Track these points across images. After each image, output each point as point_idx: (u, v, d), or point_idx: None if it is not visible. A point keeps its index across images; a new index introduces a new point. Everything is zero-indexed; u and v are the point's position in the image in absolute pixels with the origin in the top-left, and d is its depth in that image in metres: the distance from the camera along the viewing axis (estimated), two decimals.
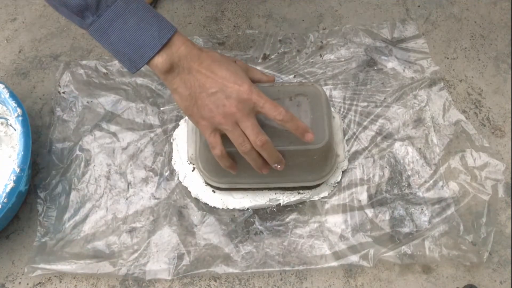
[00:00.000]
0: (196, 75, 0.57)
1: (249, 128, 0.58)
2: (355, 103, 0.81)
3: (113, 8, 0.53)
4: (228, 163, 0.63)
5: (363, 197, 0.73)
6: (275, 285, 0.68)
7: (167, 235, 0.71)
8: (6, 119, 0.76)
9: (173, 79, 0.57)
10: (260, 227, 0.71)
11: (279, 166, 0.63)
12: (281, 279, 0.69)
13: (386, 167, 0.75)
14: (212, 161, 0.67)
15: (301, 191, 0.72)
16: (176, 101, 0.60)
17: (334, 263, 0.68)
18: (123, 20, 0.53)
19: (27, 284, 0.69)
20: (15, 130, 0.73)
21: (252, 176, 0.69)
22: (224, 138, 0.61)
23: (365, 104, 0.81)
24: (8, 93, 0.73)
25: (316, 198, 0.73)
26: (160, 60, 0.55)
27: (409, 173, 0.75)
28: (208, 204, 0.73)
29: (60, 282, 0.69)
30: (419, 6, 0.94)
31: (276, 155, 0.61)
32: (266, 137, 0.59)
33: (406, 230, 0.70)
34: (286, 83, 0.71)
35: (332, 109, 0.78)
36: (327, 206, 0.72)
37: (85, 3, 0.52)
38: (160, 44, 0.54)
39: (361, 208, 0.72)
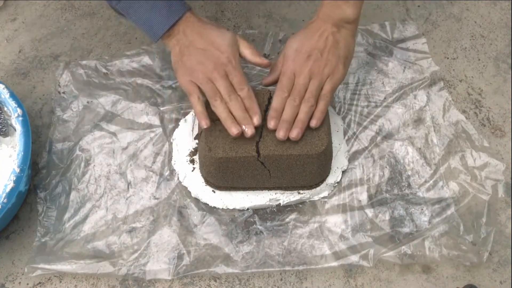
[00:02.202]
0: (188, 36, 0.69)
1: (222, 87, 0.67)
2: (355, 103, 0.81)
3: None
4: (201, 108, 0.68)
5: (363, 197, 0.73)
6: (275, 285, 0.68)
7: (167, 235, 0.71)
8: (6, 119, 0.76)
9: (170, 40, 0.70)
10: (260, 227, 0.71)
11: (247, 129, 0.66)
12: (281, 279, 0.69)
13: (386, 167, 0.75)
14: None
15: (301, 191, 0.72)
16: (171, 60, 0.71)
17: (334, 263, 0.68)
18: (139, 4, 0.68)
19: (27, 284, 0.69)
20: (15, 130, 0.73)
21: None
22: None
23: (365, 104, 0.81)
24: (8, 93, 0.73)
25: (316, 198, 0.73)
26: (166, 33, 0.69)
27: (409, 173, 0.75)
28: (208, 204, 0.73)
29: (60, 282, 0.69)
30: (419, 6, 0.94)
31: (243, 114, 0.66)
32: (237, 96, 0.67)
33: (406, 230, 0.70)
34: None
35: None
36: (327, 206, 0.72)
37: None
38: (168, 25, 0.68)
39: (361, 208, 0.72)
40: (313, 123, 0.68)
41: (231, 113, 0.67)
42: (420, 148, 0.77)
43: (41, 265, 0.68)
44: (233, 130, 0.66)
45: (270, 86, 0.73)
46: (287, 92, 0.68)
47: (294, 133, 0.66)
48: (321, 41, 0.70)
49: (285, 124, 0.67)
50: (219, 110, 0.67)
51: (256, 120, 0.67)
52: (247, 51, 0.71)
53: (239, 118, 0.66)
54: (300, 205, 0.73)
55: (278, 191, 0.72)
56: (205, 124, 0.67)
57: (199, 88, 0.68)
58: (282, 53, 0.72)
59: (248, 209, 0.72)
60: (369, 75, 0.84)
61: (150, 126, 0.80)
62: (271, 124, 0.67)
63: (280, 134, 0.66)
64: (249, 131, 0.66)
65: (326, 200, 0.73)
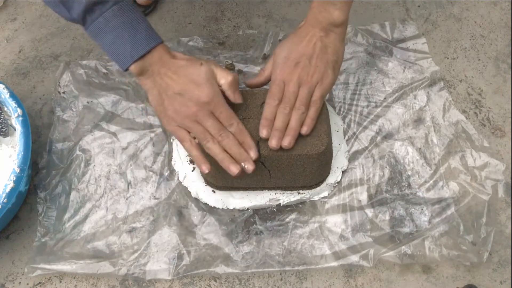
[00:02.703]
0: (163, 77, 0.64)
1: (211, 127, 0.64)
2: (355, 103, 0.81)
3: (95, 24, 0.62)
4: (197, 152, 0.65)
5: (363, 197, 0.73)
6: (275, 285, 0.68)
7: (167, 235, 0.71)
8: (6, 119, 0.76)
9: (145, 80, 0.65)
10: (260, 227, 0.71)
11: (246, 166, 0.64)
12: (281, 279, 0.69)
13: (386, 167, 0.75)
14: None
15: (301, 191, 0.72)
16: (149, 101, 0.66)
17: (334, 263, 0.68)
18: (103, 35, 0.62)
19: (27, 284, 0.69)
20: (15, 130, 0.73)
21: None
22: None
23: (365, 104, 0.81)
24: (8, 93, 0.73)
25: (316, 198, 0.73)
26: (133, 67, 0.63)
27: (409, 173, 0.75)
28: (208, 204, 0.73)
29: (60, 282, 0.69)
30: (419, 6, 0.94)
31: (238, 151, 0.64)
32: (228, 133, 0.64)
33: (406, 230, 0.70)
34: None
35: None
36: (327, 206, 0.72)
37: (77, 18, 0.62)
38: (131, 59, 0.62)
39: (361, 208, 0.72)
40: (304, 130, 0.67)
41: (227, 151, 0.65)
42: (420, 148, 0.77)
43: (41, 265, 0.68)
44: (233, 170, 0.64)
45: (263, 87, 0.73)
46: (277, 100, 0.68)
47: (286, 141, 0.66)
48: (309, 47, 0.69)
49: (277, 132, 0.66)
50: (214, 152, 0.64)
51: (253, 154, 0.65)
52: (223, 81, 0.66)
53: (236, 156, 0.64)
54: (300, 205, 0.73)
55: (278, 191, 0.72)
56: (206, 169, 0.65)
57: (188, 131, 0.66)
58: (271, 60, 0.71)
59: (248, 209, 0.72)
60: (369, 75, 0.84)
61: (150, 126, 0.80)
62: (263, 133, 0.66)
63: (273, 143, 0.66)
64: (249, 167, 0.64)
65: (326, 200, 0.73)
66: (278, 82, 0.69)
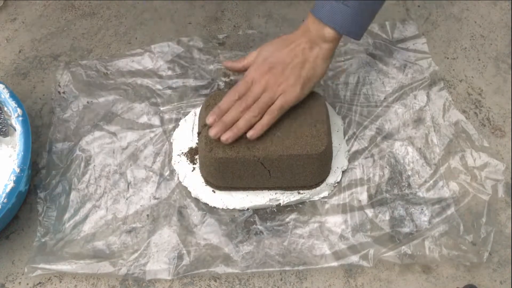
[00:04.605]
0: None
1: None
2: (355, 103, 0.81)
3: None
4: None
5: (363, 197, 0.73)
6: (275, 285, 0.68)
7: (167, 235, 0.71)
8: (6, 119, 0.76)
9: None
10: (260, 227, 0.71)
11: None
12: (281, 279, 0.69)
13: (386, 167, 0.75)
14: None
15: (301, 191, 0.72)
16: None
17: (334, 263, 0.68)
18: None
19: (27, 284, 0.69)
20: (15, 130, 0.73)
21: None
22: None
23: (365, 104, 0.81)
24: (8, 93, 0.73)
25: (316, 198, 0.73)
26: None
27: (409, 173, 0.75)
28: (208, 204, 0.73)
29: (60, 282, 0.69)
30: (419, 6, 0.94)
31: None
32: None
33: (406, 230, 0.70)
34: None
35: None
36: (327, 206, 0.72)
37: None
38: None
39: (361, 208, 0.72)
40: (249, 133, 0.67)
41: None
42: (420, 148, 0.77)
43: (41, 265, 0.68)
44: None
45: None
46: (237, 96, 0.68)
47: (225, 136, 0.66)
48: (289, 56, 0.68)
49: (222, 124, 0.67)
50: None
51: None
52: None
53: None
54: (300, 205, 0.73)
55: (278, 191, 0.72)
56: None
57: None
58: (255, 53, 0.71)
59: (248, 209, 0.72)
60: (369, 75, 0.84)
61: (150, 126, 0.80)
62: (209, 119, 0.67)
63: (212, 132, 0.66)
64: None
65: (326, 200, 0.73)
66: (247, 79, 0.69)
